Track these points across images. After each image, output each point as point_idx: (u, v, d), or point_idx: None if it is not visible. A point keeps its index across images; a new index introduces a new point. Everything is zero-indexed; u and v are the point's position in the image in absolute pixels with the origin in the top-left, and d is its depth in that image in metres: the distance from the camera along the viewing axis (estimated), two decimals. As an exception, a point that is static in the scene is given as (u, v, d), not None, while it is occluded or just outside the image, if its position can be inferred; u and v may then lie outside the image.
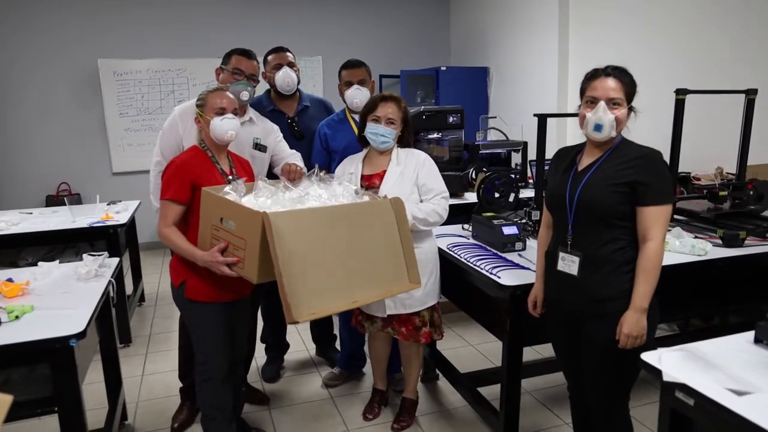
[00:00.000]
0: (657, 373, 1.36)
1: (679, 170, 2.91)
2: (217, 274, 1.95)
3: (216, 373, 2.15)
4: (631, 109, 1.76)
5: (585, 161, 1.83)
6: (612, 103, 1.72)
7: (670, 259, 2.23)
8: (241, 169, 2.22)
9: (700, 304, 2.54)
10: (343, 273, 1.87)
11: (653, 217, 1.69)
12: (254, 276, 1.83)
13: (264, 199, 1.91)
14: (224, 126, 2.07)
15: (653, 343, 1.72)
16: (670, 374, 1.33)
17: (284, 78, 2.80)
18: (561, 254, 1.85)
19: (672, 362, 1.38)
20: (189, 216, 2.07)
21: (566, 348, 1.97)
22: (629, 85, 1.75)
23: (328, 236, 1.85)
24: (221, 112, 2.08)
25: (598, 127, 1.72)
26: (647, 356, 1.43)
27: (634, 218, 1.73)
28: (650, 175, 1.70)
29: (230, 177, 2.12)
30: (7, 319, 1.86)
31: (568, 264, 1.83)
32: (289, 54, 2.87)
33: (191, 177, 2.03)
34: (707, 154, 3.52)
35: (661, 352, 1.43)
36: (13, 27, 5.42)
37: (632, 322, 1.69)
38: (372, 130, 2.38)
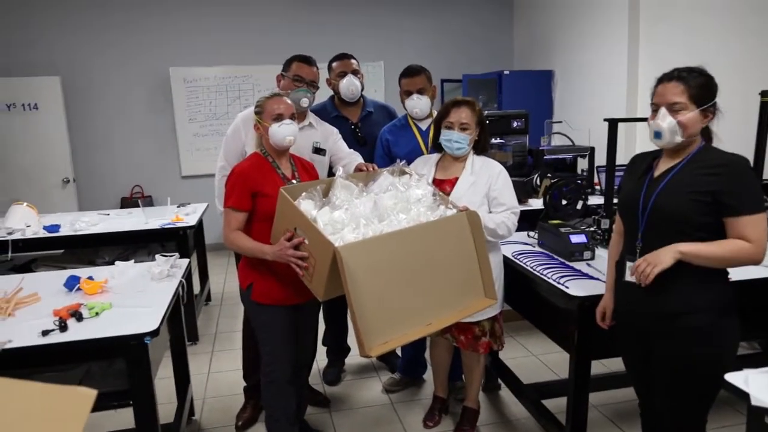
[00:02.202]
0: (744, 396, 1.27)
1: (763, 178, 2.73)
2: (284, 279, 1.97)
3: (281, 374, 2.18)
4: (707, 110, 1.66)
5: (662, 167, 1.75)
6: (674, 107, 1.64)
7: (752, 272, 2.09)
8: (303, 172, 2.23)
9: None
10: (417, 297, 1.83)
11: (748, 226, 1.58)
12: (321, 293, 1.84)
13: (339, 213, 1.88)
14: (282, 132, 2.09)
15: (734, 362, 1.61)
16: (759, 398, 1.24)
17: (348, 86, 2.81)
18: (629, 264, 1.77)
19: (761, 385, 1.28)
20: (251, 223, 2.10)
21: (636, 363, 1.88)
22: (697, 88, 1.64)
23: (401, 262, 1.80)
24: (279, 118, 2.10)
25: (657, 135, 1.67)
26: (732, 377, 1.34)
27: (712, 230, 1.62)
28: (737, 183, 1.59)
29: (292, 181, 2.13)
30: (88, 315, 1.96)
31: None
32: (353, 61, 2.88)
33: (251, 185, 2.06)
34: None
35: (748, 373, 1.34)
36: (95, 36, 5.74)
37: (658, 253, 1.60)
38: (446, 137, 2.34)
